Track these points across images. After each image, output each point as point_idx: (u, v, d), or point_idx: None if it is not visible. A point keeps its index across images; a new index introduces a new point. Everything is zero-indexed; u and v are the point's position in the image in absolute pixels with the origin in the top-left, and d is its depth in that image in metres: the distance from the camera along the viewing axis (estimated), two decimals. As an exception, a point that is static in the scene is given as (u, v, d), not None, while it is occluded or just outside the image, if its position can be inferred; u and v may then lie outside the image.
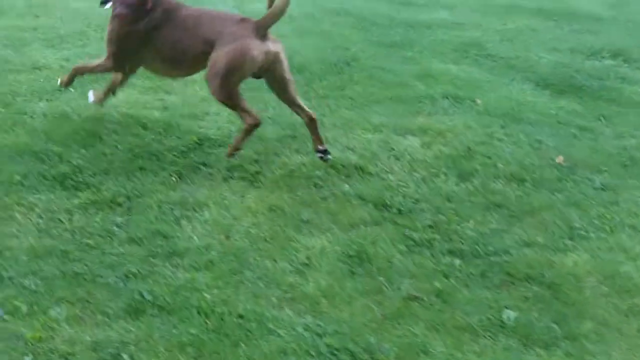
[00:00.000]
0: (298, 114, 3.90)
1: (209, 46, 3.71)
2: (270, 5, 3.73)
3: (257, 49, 3.63)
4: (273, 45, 3.71)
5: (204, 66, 3.80)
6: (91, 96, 4.29)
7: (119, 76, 4.18)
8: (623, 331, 2.76)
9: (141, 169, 3.67)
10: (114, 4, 3.95)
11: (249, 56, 3.64)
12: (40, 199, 3.32)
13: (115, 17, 3.94)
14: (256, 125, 3.78)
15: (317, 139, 3.87)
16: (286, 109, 4.03)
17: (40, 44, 5.57)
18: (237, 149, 3.83)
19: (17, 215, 3.19)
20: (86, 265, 2.86)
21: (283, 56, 3.75)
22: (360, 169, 3.88)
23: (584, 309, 2.86)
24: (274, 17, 3.67)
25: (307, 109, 3.88)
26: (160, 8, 3.88)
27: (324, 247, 3.12)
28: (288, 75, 3.81)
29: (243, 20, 3.77)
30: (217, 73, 3.67)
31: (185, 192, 3.48)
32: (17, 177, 3.47)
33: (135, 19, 3.87)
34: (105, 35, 4.04)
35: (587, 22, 7.62)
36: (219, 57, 3.65)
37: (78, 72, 4.22)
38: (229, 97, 3.72)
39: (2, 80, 4.75)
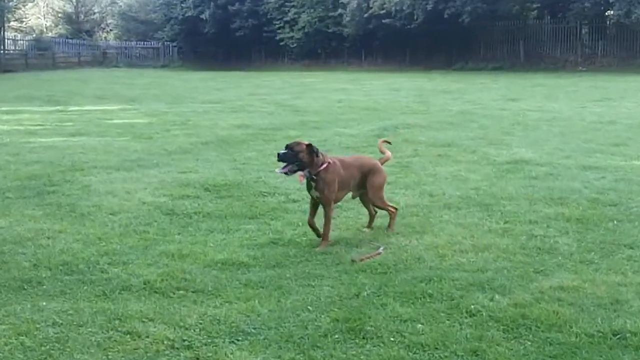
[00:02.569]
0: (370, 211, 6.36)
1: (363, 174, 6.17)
2: (382, 152, 6.55)
3: (386, 175, 6.36)
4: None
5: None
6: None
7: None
8: None
9: None
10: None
11: (385, 179, 6.32)
12: None
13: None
14: (396, 211, 6.30)
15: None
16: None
17: None
18: (392, 228, 6.21)
19: None
20: None
21: None
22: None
23: None
24: (386, 160, 6.48)
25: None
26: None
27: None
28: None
29: (374, 161, 6.34)
30: (375, 191, 6.17)
31: None
32: None
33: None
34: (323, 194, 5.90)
35: None
36: (373, 182, 6.15)
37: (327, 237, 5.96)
38: (381, 202, 6.19)
39: None
